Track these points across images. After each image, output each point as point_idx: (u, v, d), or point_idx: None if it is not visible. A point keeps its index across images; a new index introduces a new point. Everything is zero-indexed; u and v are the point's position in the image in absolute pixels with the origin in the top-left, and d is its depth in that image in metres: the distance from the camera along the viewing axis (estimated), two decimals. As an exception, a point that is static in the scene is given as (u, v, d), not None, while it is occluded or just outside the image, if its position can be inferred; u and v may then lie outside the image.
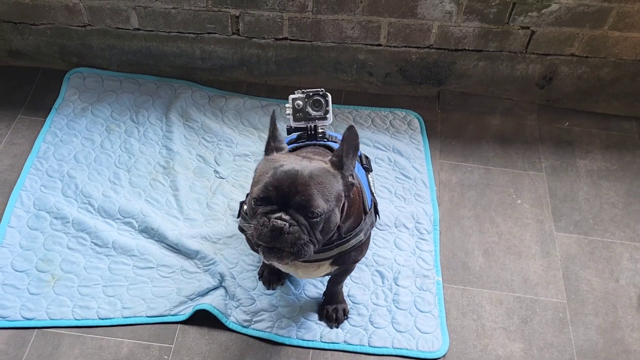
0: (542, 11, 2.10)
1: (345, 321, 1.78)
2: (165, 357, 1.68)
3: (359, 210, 1.45)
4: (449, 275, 1.92)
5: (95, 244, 1.89)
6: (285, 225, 1.22)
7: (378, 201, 2.04)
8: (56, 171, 2.08)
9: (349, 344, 1.74)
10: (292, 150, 1.52)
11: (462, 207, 2.10)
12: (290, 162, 1.27)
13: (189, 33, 2.25)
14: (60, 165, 2.09)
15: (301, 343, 1.73)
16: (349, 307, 1.81)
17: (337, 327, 1.77)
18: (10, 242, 1.88)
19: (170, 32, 2.24)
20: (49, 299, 1.77)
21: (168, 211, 2.00)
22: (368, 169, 1.62)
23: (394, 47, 2.26)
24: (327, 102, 1.58)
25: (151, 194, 2.04)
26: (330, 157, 1.32)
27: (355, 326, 1.77)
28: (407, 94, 2.43)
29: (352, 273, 1.88)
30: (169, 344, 1.71)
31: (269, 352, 1.72)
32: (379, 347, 1.74)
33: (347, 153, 1.30)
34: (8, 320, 1.72)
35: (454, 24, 2.16)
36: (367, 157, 1.66)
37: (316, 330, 1.76)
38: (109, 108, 2.28)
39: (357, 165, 1.58)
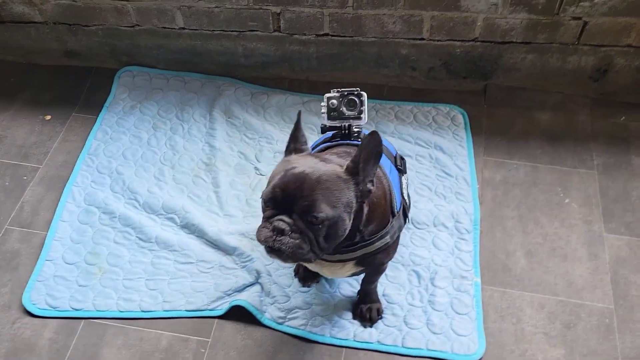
0: (595, 1, 1.99)
1: (379, 321, 1.77)
2: (202, 350, 1.74)
3: (385, 213, 1.43)
4: (489, 277, 1.88)
5: (140, 239, 1.97)
6: (286, 228, 1.24)
7: (418, 199, 2.03)
8: (105, 167, 2.17)
9: (382, 344, 1.73)
10: (324, 150, 1.53)
11: (506, 206, 2.04)
12: (303, 164, 1.27)
13: (232, 31, 2.28)
14: (109, 161, 2.19)
15: (334, 341, 1.74)
16: (383, 306, 1.80)
17: (370, 327, 1.76)
18: (62, 235, 1.99)
19: (214, 30, 2.28)
20: (95, 291, 1.86)
21: (209, 207, 2.05)
22: (402, 171, 1.59)
23: (437, 40, 2.20)
24: (361, 101, 1.56)
25: (193, 190, 2.10)
26: (348, 162, 1.30)
27: (389, 326, 1.76)
28: (452, 89, 2.37)
29: (388, 272, 1.87)
30: (206, 337, 1.76)
31: (302, 349, 1.74)
32: (413, 348, 1.72)
33: (365, 160, 1.27)
34: (58, 310, 1.82)
35: (499, 15, 2.08)
36: (402, 159, 1.63)
37: (349, 329, 1.76)
38: (156, 106, 2.35)
39: (391, 166, 1.56)
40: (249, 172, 2.15)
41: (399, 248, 1.91)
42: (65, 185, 2.12)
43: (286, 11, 2.17)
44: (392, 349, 1.72)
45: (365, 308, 1.77)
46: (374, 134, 1.24)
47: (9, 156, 2.22)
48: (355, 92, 1.56)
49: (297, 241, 1.25)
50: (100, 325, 1.80)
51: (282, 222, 1.25)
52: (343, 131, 1.57)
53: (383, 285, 1.85)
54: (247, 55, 2.37)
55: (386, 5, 2.09)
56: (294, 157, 1.33)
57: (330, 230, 1.26)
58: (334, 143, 1.55)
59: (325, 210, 1.22)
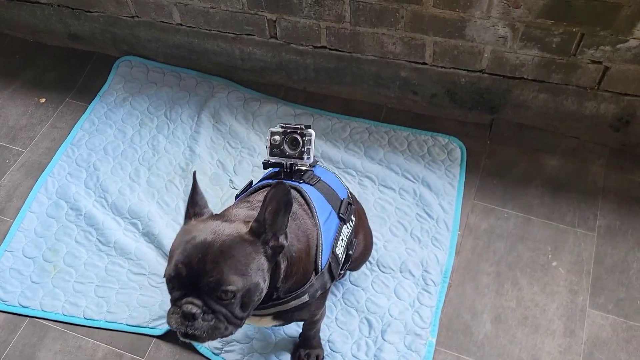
0: (618, 46, 1.74)
1: (318, 372, 1.68)
2: (135, 369, 1.71)
3: (306, 269, 1.31)
4: (446, 338, 1.73)
5: (99, 241, 1.95)
6: (197, 312, 1.12)
7: (390, 239, 1.91)
8: (84, 160, 2.15)
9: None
10: (260, 188, 1.42)
11: (484, 259, 1.87)
12: (203, 231, 1.15)
13: (228, 32, 2.17)
14: (89, 155, 2.17)
15: (267, 384, 1.67)
16: (325, 353, 1.70)
17: (305, 379, 1.68)
18: (27, 227, 1.99)
19: (211, 30, 2.19)
20: (45, 290, 1.85)
21: (174, 217, 2.00)
22: (344, 220, 1.46)
23: (441, 67, 2.01)
24: (304, 141, 1.45)
25: (164, 196, 2.05)
26: (252, 221, 1.19)
27: (326, 378, 1.67)
28: (456, 118, 2.18)
29: (339, 316, 1.76)
30: (141, 357, 1.73)
31: (233, 385, 1.67)
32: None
33: (274, 212, 1.16)
34: (6, 304, 1.83)
35: (509, 49, 1.87)
36: (349, 204, 1.50)
37: (285, 372, 1.68)
38: (147, 101, 2.30)
39: (331, 213, 1.43)
40: (222, 184, 2.07)
41: (356, 291, 1.80)
42: (40, 174, 2.12)
43: (282, 19, 2.04)
44: (324, 403, 1.63)
45: (304, 353, 1.67)
46: (279, 185, 1.13)
47: (-1, 136, 2.25)
48: (299, 131, 1.44)
49: (212, 322, 1.14)
50: (43, 326, 1.80)
51: (192, 305, 1.13)
52: (285, 169, 1.46)
53: (330, 330, 1.74)
54: (245, 59, 2.26)
55: (385, 25, 1.93)
56: (193, 223, 1.21)
57: (245, 299, 1.16)
58: (270, 182, 1.45)
59: (235, 283, 1.11)
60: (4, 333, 1.79)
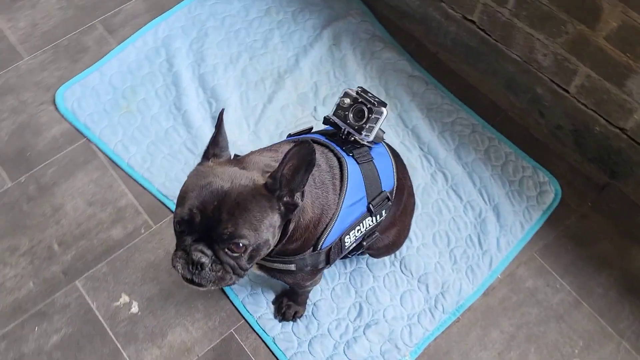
0: None
1: (291, 322, 1.67)
2: (143, 231, 1.79)
3: (307, 240, 1.26)
4: (422, 367, 1.64)
5: (174, 103, 1.98)
6: (206, 261, 1.10)
7: (427, 244, 1.77)
8: (201, 22, 2.14)
9: (275, 343, 1.64)
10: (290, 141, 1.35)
11: (508, 316, 1.71)
12: (220, 178, 1.10)
13: (389, -39, 1.99)
14: (207, 18, 2.15)
15: (240, 308, 1.69)
16: (305, 313, 1.68)
17: (279, 321, 1.67)
18: (123, 58, 2.06)
19: (374, -50, 2.02)
20: (110, 122, 1.94)
21: (247, 115, 1.98)
22: (371, 212, 1.35)
23: (582, 103, 1.74)
24: (370, 118, 1.32)
25: (248, 91, 2.02)
26: (270, 174, 1.12)
27: (294, 334, 1.65)
28: (570, 161, 1.92)
29: (337, 289, 1.72)
30: (155, 223, 1.80)
31: (213, 296, 1.71)
32: (298, 369, 1.62)
33: (295, 169, 1.09)
34: (74, 118, 1.95)
35: (664, 124, 1.57)
36: (387, 199, 1.38)
37: (261, 309, 1.68)
38: (285, -9, 2.22)
39: (362, 200, 1.33)
40: (306, 106, 2.00)
41: (366, 275, 1.73)
42: (161, 14, 2.15)
43: (445, -27, 1.83)
44: (279, 355, 1.63)
45: (286, 303, 1.66)
46: (305, 144, 1.06)
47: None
48: (369, 105, 1.32)
49: (219, 273, 1.13)
50: (93, 152, 1.91)
51: (202, 254, 1.11)
52: (341, 135, 1.36)
53: (322, 295, 1.71)
54: (393, -6, 2.09)
55: (544, 31, 1.67)
56: (210, 165, 1.16)
57: (253, 253, 1.14)
58: (309, 135, 1.37)
59: (248, 237, 1.09)
60: (62, 141, 1.92)
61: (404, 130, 1.97)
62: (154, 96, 2.00)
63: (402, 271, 1.75)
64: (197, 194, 1.09)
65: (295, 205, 1.15)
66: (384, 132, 1.46)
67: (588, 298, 1.74)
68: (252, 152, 1.27)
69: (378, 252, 1.63)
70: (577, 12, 1.54)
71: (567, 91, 1.76)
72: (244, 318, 1.68)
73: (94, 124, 1.94)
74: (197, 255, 1.10)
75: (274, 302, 1.70)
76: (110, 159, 1.90)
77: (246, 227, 1.08)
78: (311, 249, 1.28)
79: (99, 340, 1.64)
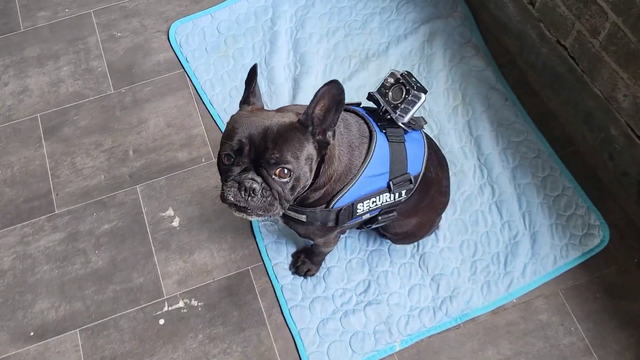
0: None
1: (301, 277, 1.78)
2: (204, 160, 1.99)
3: (325, 194, 1.36)
4: (407, 358, 1.69)
5: (265, 58, 2.15)
6: (257, 187, 1.20)
7: (453, 249, 1.80)
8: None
9: (281, 290, 1.77)
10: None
11: (510, 340, 1.70)
12: (259, 117, 1.22)
13: (501, -28, 2.01)
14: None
15: (262, 250, 1.83)
16: (318, 274, 1.79)
17: (292, 273, 1.80)
18: (236, 8, 2.26)
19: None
20: (206, 61, 2.15)
21: (316, 84, 2.08)
22: (390, 189, 1.42)
23: (652, 155, 1.67)
24: (406, 99, 1.38)
25: (334, 64, 2.13)
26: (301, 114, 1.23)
27: (300, 288, 1.77)
28: (626, 210, 1.84)
29: (354, 262, 1.81)
30: (215, 157, 1.99)
31: (244, 234, 1.87)
32: (293, 322, 1.73)
33: (326, 109, 1.20)
34: (180, 50, 2.19)
35: None
36: (410, 181, 1.43)
37: (280, 257, 1.82)
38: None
39: (384, 176, 1.40)
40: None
41: (385, 258, 1.80)
42: (278, -21, 2.34)
43: (548, -7, 1.81)
44: (282, 303, 1.76)
45: (302, 259, 1.78)
46: (334, 83, 1.16)
47: None
48: (407, 87, 1.38)
49: (269, 199, 1.23)
50: (184, 82, 2.14)
51: (253, 181, 1.20)
52: (379, 111, 1.44)
53: (338, 263, 1.80)
54: (498, 5, 2.09)
55: (629, 71, 1.61)
56: (248, 109, 1.28)
57: (295, 182, 1.24)
58: (355, 107, 1.46)
59: (292, 163, 1.21)
60: (164, 67, 2.17)
61: (468, 137, 1.99)
62: (250, 48, 2.18)
63: (419, 265, 1.80)
64: (244, 128, 1.21)
65: (327, 143, 1.25)
66: (426, 122, 1.52)
67: (601, 350, 1.68)
68: (288, 105, 1.40)
69: (396, 237, 1.69)
70: (663, 56, 1.48)
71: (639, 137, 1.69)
72: (262, 260, 1.83)
73: (193, 59, 2.17)
74: (249, 182, 1.20)
75: (292, 255, 1.82)
76: (197, 92, 2.12)
77: (290, 154, 1.19)
78: (324, 205, 1.39)
79: (139, 240, 1.87)
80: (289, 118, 1.24)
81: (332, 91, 1.17)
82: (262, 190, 1.21)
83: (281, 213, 1.29)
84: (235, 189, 1.22)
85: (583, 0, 1.67)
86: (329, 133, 1.25)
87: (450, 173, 1.88)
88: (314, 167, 1.27)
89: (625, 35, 1.57)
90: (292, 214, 1.41)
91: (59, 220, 1.91)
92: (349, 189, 1.36)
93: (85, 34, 2.25)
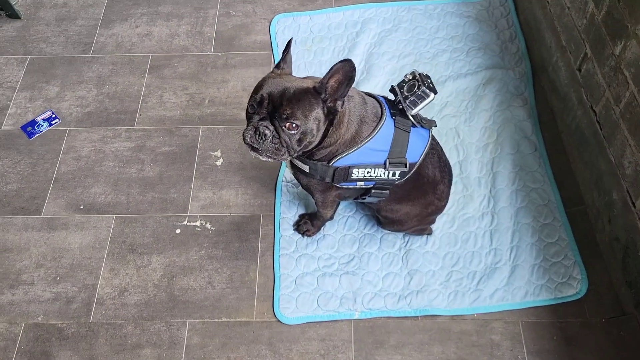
0: None
1: (299, 234, 2.05)
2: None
3: (329, 152, 1.60)
4: (358, 333, 1.88)
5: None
6: (268, 133, 1.51)
7: (432, 252, 1.97)
8: (405, 19, 2.60)
9: (279, 239, 2.05)
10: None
11: (456, 346, 1.84)
12: (285, 80, 1.51)
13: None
14: (410, 20, 2.60)
15: (277, 203, 2.13)
16: (312, 236, 2.04)
17: (294, 230, 2.07)
18: (331, 16, 2.65)
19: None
20: (292, 50, 2.51)
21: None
22: (385, 165, 1.64)
23: (640, 222, 1.77)
24: (416, 93, 1.62)
25: (393, 81, 2.43)
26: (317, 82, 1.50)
27: (294, 242, 2.03)
28: (611, 276, 1.92)
29: (346, 233, 2.04)
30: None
31: (267, 187, 2.18)
32: (280, 266, 2.00)
33: (339, 82, 1.46)
34: (274, 37, 2.60)
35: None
36: (404, 164, 1.65)
37: (289, 214, 2.10)
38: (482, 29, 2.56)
39: (382, 154, 1.63)
40: (423, 112, 2.32)
41: (375, 240, 2.02)
42: (375, 2, 2.69)
43: (589, 61, 1.99)
44: (276, 249, 2.03)
45: (304, 220, 2.05)
46: (348, 61, 1.43)
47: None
48: (419, 83, 1.62)
49: (276, 145, 1.54)
50: (268, 62, 2.53)
51: (266, 128, 1.50)
52: (395, 102, 1.69)
53: (335, 233, 2.05)
54: (555, 69, 2.28)
55: (636, 139, 1.75)
56: (278, 72, 1.57)
57: (302, 136, 1.53)
58: (373, 95, 1.72)
59: (300, 119, 1.50)
60: (258, 46, 2.59)
61: (489, 170, 2.17)
62: (331, 49, 2.54)
63: (402, 258, 2.00)
64: (268, 86, 1.52)
65: (336, 110, 1.52)
66: (436, 125, 1.75)
67: (539, 386, 1.76)
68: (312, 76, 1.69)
69: (385, 221, 1.91)
70: (660, 126, 1.61)
71: (634, 205, 1.79)
72: (274, 212, 2.12)
73: (282, 47, 2.56)
74: (262, 129, 1.51)
75: (299, 216, 2.10)
76: (275, 70, 2.50)
77: (299, 112, 1.49)
78: (326, 162, 1.66)
79: (186, 166, 2.25)
80: (307, 84, 1.52)
81: (346, 67, 1.44)
82: (272, 137, 1.50)
83: (288, 159, 1.58)
84: (252, 133, 1.52)
85: (614, 69, 1.84)
86: (339, 102, 1.51)
87: (459, 195, 2.10)
88: (322, 127, 1.54)
89: (638, 105, 1.72)
90: (299, 163, 1.68)
91: (134, 134, 2.34)
92: (349, 153, 1.62)
93: (208, 6, 2.74)
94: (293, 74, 1.63)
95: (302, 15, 2.67)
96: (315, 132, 1.53)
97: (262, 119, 1.52)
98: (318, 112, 1.51)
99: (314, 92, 1.51)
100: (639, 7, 1.65)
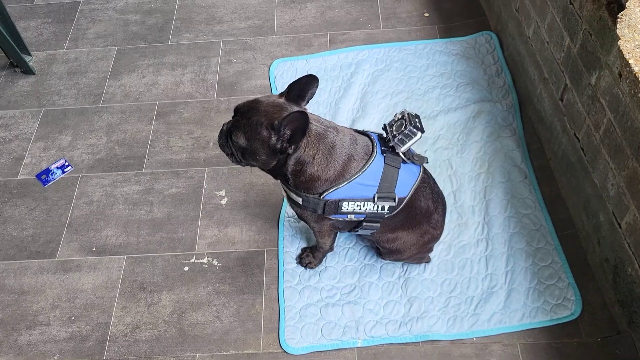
0: None
1: (302, 267, 2.14)
2: (261, 162, 2.46)
3: (316, 185, 1.70)
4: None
5: (336, 99, 2.63)
6: (224, 129, 1.71)
7: (430, 279, 2.05)
8: (396, 59, 2.75)
9: (283, 272, 2.13)
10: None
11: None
12: (265, 104, 1.63)
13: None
14: (401, 59, 2.74)
15: (280, 238, 2.22)
16: (315, 268, 2.13)
17: (296, 263, 2.16)
18: (326, 59, 2.79)
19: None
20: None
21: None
22: (373, 200, 1.74)
23: (626, 241, 1.84)
24: (404, 132, 1.73)
25: (388, 117, 2.55)
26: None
27: (297, 275, 2.12)
28: (604, 296, 1.98)
29: (347, 269, 2.12)
30: (270, 162, 2.46)
31: (271, 222, 2.29)
32: (285, 298, 2.08)
33: (294, 130, 1.57)
34: (273, 81, 2.75)
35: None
36: (393, 199, 1.74)
37: (292, 247, 2.19)
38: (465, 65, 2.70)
39: (370, 188, 1.74)
40: (417, 146, 2.43)
41: (374, 270, 2.10)
42: (367, 45, 2.84)
43: (569, 91, 2.10)
44: (280, 282, 2.12)
45: (306, 253, 2.14)
46: (301, 114, 1.55)
47: None
48: (406, 122, 1.73)
49: (226, 148, 1.73)
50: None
51: (225, 126, 1.71)
52: (386, 138, 1.79)
53: (337, 265, 2.14)
54: (540, 99, 2.39)
55: (616, 162, 1.84)
56: (276, 95, 1.70)
57: (245, 153, 1.68)
58: (367, 132, 1.82)
59: (240, 138, 1.64)
60: (258, 90, 2.73)
61: (482, 199, 2.27)
62: (327, 90, 2.68)
63: (401, 286, 2.07)
64: (249, 103, 1.66)
65: (281, 151, 1.62)
66: (427, 162, 1.85)
67: (539, 405, 1.81)
68: (312, 114, 1.75)
69: (384, 250, 2.00)
70: (636, 149, 1.70)
71: (620, 225, 1.87)
72: (277, 246, 2.21)
73: (280, 89, 2.70)
74: (224, 127, 1.71)
75: (302, 249, 2.19)
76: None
77: (242, 133, 1.63)
78: (318, 195, 1.76)
79: (193, 206, 2.36)
80: (270, 119, 1.60)
81: (300, 119, 1.55)
82: (225, 136, 1.71)
83: (234, 163, 1.75)
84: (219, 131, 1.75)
85: (591, 98, 1.95)
86: (292, 147, 1.62)
87: (454, 224, 2.19)
88: (272, 154, 1.63)
89: (615, 130, 1.82)
90: (293, 195, 1.79)
91: (143, 177, 2.46)
92: (339, 187, 1.72)
93: (210, 55, 2.91)
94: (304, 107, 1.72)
95: (299, 59, 2.82)
96: (263, 155, 1.65)
97: (231, 124, 1.69)
98: (263, 141, 1.61)
99: (267, 126, 1.60)
100: (609, 40, 1.77)
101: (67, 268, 2.23)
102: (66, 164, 2.53)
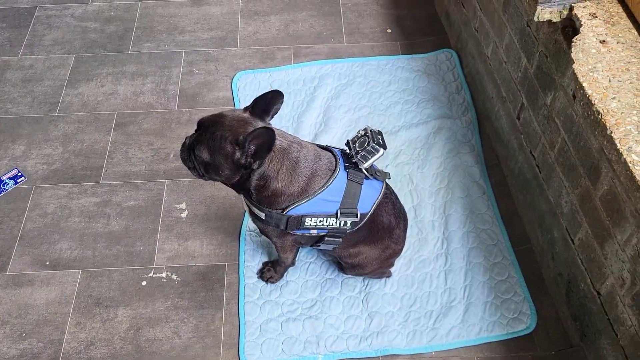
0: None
1: (263, 281, 2.12)
2: (223, 175, 2.44)
3: (280, 200, 1.70)
4: (326, 370, 1.93)
5: (299, 113, 2.63)
6: (186, 143, 1.68)
7: (391, 294, 2.07)
8: (359, 74, 2.78)
9: (244, 287, 2.11)
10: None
11: None
12: (231, 118, 1.61)
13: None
14: (363, 74, 2.77)
15: (241, 252, 2.20)
16: (278, 282, 2.12)
17: (257, 277, 2.14)
18: (290, 72, 2.80)
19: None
20: (253, 105, 2.67)
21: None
22: (336, 216, 1.75)
23: (579, 257, 1.90)
24: (366, 149, 1.74)
25: (350, 132, 2.57)
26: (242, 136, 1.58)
27: (258, 289, 2.10)
28: (558, 310, 2.03)
29: (309, 284, 2.12)
30: (232, 175, 2.44)
31: (231, 237, 2.26)
32: (245, 313, 2.06)
33: (259, 146, 1.56)
34: (236, 93, 2.73)
35: (621, 295, 1.67)
36: (356, 215, 1.75)
37: (253, 262, 2.18)
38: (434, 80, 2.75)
39: (334, 204, 1.75)
40: (379, 162, 2.45)
41: (335, 283, 2.10)
42: (331, 59, 2.86)
43: (526, 110, 2.17)
44: (241, 297, 2.09)
45: (267, 267, 2.13)
46: (269, 131, 1.55)
47: (348, 26, 3.04)
48: (369, 139, 1.75)
49: (188, 161, 1.69)
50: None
51: (187, 140, 1.67)
52: (349, 155, 1.79)
53: (299, 280, 2.13)
54: (499, 121, 2.46)
55: (569, 180, 1.90)
56: (241, 110, 1.68)
57: (210, 167, 1.64)
58: (334, 149, 1.83)
59: (203, 153, 1.61)
60: (220, 102, 2.71)
61: (441, 214, 2.30)
62: (290, 103, 2.68)
63: (362, 300, 2.08)
64: (213, 117, 1.64)
65: (246, 167, 1.61)
66: (389, 178, 1.87)
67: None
68: (277, 129, 1.74)
69: (347, 265, 2.00)
70: (588, 169, 1.77)
71: (573, 242, 1.93)
72: (238, 260, 2.19)
73: (244, 101, 2.69)
74: (187, 140, 1.67)
75: (263, 263, 2.18)
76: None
77: (205, 148, 1.60)
78: (281, 210, 1.76)
79: (152, 219, 2.31)
80: (235, 134, 1.58)
81: (267, 136, 1.54)
82: (187, 149, 1.67)
83: (196, 176, 1.71)
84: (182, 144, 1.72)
85: (547, 117, 2.02)
86: (256, 163, 1.60)
87: (415, 239, 2.22)
88: (234, 169, 1.61)
89: (569, 149, 1.89)
90: (256, 210, 1.78)
91: (100, 189, 2.41)
92: (302, 203, 1.72)
93: (172, 65, 2.87)
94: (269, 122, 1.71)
95: (262, 72, 2.82)
96: (227, 170, 1.62)
97: (194, 137, 1.66)
98: (226, 156, 1.59)
99: (232, 141, 1.58)
100: (564, 62, 1.84)
101: (19, 282, 2.15)
102: (19, 174, 2.45)
